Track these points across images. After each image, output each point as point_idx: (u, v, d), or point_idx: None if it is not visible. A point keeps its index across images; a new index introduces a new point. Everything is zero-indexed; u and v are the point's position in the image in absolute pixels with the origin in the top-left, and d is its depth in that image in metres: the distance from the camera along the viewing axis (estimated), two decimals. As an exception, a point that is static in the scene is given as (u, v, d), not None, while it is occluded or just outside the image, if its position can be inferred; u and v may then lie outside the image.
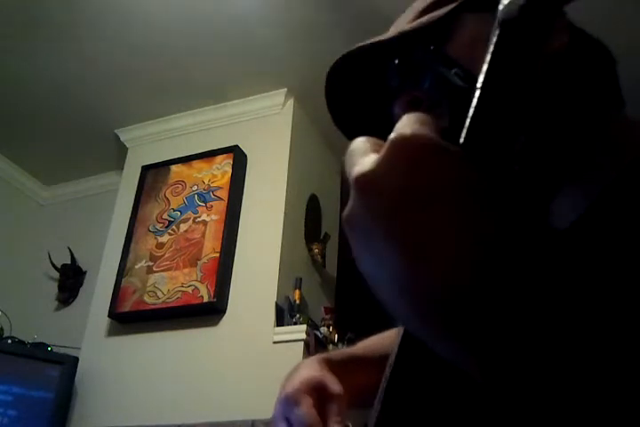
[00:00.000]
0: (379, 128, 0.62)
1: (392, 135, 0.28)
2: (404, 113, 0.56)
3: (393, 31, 0.57)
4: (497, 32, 0.27)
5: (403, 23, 0.58)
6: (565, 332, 0.26)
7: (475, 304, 0.26)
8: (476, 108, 0.27)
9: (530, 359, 0.26)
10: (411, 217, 0.27)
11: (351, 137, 0.61)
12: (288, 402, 0.59)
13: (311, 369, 0.62)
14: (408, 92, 0.55)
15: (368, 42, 0.57)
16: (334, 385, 0.61)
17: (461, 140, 0.28)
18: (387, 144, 0.28)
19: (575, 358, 0.25)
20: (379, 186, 0.28)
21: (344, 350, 0.71)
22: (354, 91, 0.61)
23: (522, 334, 0.26)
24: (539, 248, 0.27)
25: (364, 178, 0.28)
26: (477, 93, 0.27)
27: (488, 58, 0.27)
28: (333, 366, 0.63)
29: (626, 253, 0.37)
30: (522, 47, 0.26)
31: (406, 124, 0.29)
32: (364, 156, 0.29)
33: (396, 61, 0.56)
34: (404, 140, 0.28)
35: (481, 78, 0.27)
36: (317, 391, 0.60)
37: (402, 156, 0.28)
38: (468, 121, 0.27)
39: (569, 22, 0.55)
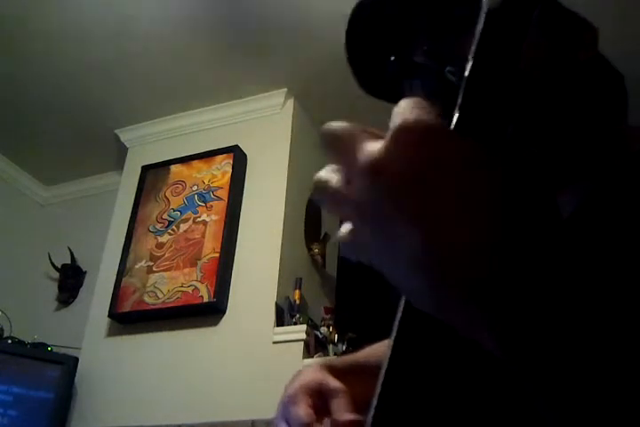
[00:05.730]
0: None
1: (395, 121, 0.29)
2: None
3: None
4: (482, 22, 0.28)
5: None
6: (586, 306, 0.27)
7: (494, 267, 0.28)
8: (463, 96, 0.28)
9: (549, 324, 0.27)
10: (424, 195, 0.28)
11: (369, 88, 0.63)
12: (287, 403, 0.59)
13: (311, 373, 0.63)
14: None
15: None
16: (334, 382, 0.61)
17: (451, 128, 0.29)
18: (391, 131, 0.29)
19: (601, 336, 0.26)
20: (389, 170, 0.29)
21: (346, 357, 0.70)
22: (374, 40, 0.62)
23: (541, 297, 0.27)
24: (547, 214, 0.29)
25: (374, 165, 0.29)
26: (464, 83, 0.28)
27: (474, 48, 0.28)
28: (335, 372, 0.63)
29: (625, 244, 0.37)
30: (506, 36, 0.28)
31: (407, 110, 0.30)
32: (370, 141, 0.30)
33: (392, 58, 0.56)
34: (407, 126, 0.29)
35: (468, 67, 0.28)
36: (317, 391, 0.60)
37: (407, 141, 0.29)
38: (457, 109, 0.28)
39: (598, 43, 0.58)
